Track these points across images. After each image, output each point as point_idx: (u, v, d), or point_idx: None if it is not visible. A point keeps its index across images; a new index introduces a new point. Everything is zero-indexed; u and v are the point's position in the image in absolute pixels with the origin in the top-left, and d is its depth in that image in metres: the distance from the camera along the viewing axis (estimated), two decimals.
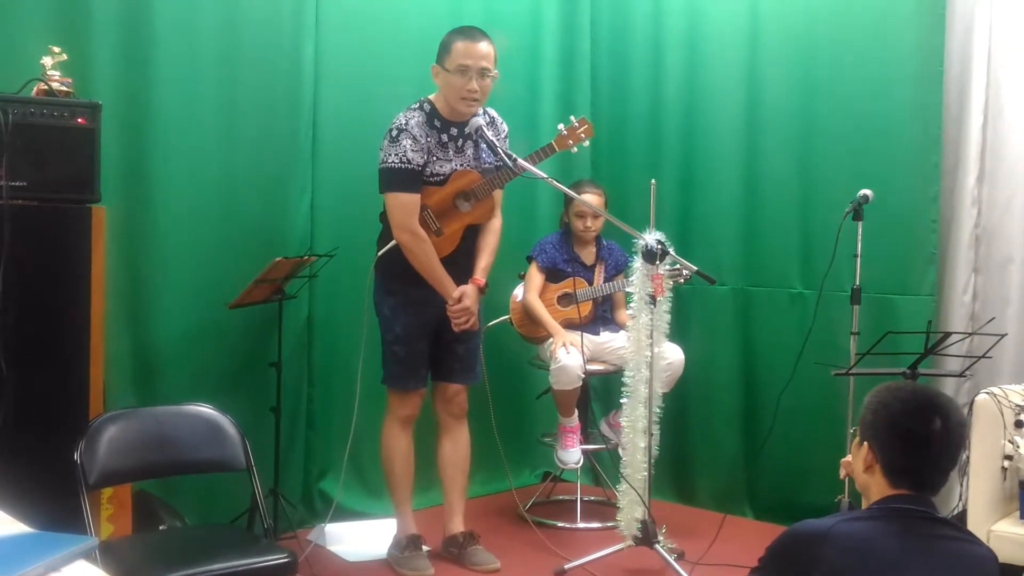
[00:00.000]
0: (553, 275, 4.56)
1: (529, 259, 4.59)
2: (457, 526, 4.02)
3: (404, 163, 3.68)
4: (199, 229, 4.02)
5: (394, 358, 3.84)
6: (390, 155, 3.70)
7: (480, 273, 3.89)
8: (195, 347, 4.01)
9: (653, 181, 3.97)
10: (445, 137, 3.78)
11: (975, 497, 3.45)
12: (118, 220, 3.61)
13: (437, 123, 3.77)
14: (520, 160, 3.67)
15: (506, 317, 4.59)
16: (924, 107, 4.28)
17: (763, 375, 4.72)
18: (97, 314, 3.27)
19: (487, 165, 3.86)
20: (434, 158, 3.75)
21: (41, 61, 3.29)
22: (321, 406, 4.41)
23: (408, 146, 3.68)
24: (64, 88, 3.28)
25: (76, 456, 2.93)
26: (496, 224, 3.95)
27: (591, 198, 4.43)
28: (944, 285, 4.36)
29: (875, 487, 2.13)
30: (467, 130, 3.82)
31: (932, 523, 2.06)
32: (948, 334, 3.62)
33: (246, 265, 3.94)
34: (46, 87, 3.25)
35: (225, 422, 3.24)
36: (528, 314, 4.52)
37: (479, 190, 3.81)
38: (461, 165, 3.81)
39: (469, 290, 3.81)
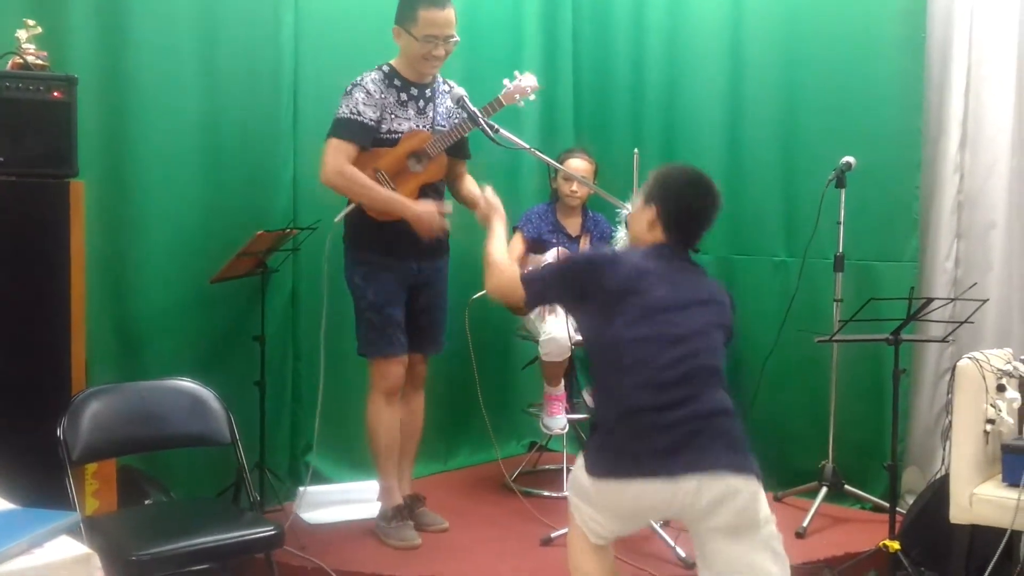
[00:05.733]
0: (537, 246, 4.55)
1: (514, 229, 4.58)
2: (404, 490, 4.06)
3: (354, 114, 3.70)
4: (180, 203, 3.99)
5: (369, 325, 3.83)
6: (341, 107, 3.73)
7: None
8: (178, 322, 4.00)
9: (636, 151, 3.96)
10: (404, 96, 3.80)
11: (958, 461, 3.47)
12: (97, 194, 3.58)
13: (397, 82, 3.80)
14: (503, 131, 3.66)
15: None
16: (906, 74, 4.27)
17: (747, 343, 4.71)
18: (77, 289, 3.26)
19: (441, 128, 3.87)
20: (392, 115, 3.77)
21: (16, 34, 3.26)
22: (306, 379, 4.40)
23: (360, 99, 3.71)
24: (39, 62, 3.25)
25: (59, 432, 2.94)
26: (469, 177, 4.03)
27: (580, 164, 4.44)
28: (927, 251, 4.37)
29: (650, 239, 2.84)
30: (428, 93, 3.85)
31: (689, 264, 2.85)
32: (930, 300, 3.63)
33: (228, 239, 3.91)
34: (21, 61, 3.22)
35: (209, 396, 3.25)
36: None
37: (430, 148, 3.81)
38: (422, 126, 3.82)
39: (428, 202, 3.79)
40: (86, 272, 3.34)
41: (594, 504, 2.71)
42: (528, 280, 2.90)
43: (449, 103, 3.89)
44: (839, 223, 4.12)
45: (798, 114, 4.58)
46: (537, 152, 3.77)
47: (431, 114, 3.87)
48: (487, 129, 3.58)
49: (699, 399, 2.64)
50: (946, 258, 4.34)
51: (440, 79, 3.94)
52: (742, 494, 2.58)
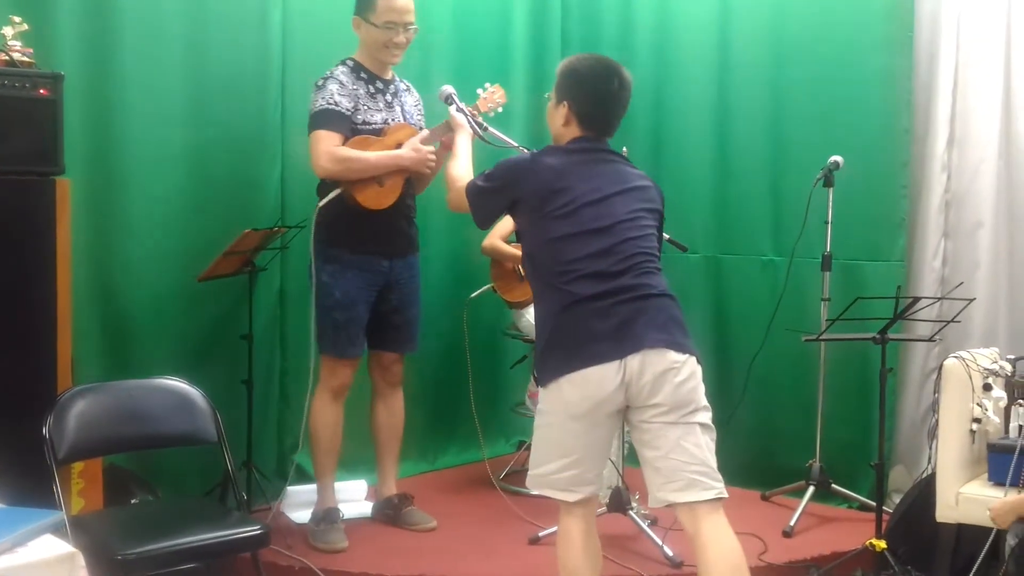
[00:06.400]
0: None
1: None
2: (391, 489, 4.07)
3: (331, 104, 3.71)
4: (167, 201, 3.98)
5: (334, 324, 3.80)
6: (317, 100, 3.74)
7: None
8: (165, 320, 3.98)
9: (625, 148, 3.95)
10: (372, 88, 3.83)
11: (944, 460, 3.48)
12: (83, 192, 3.57)
13: (364, 75, 3.83)
14: (491, 128, 3.66)
15: (488, 286, 4.55)
16: (894, 73, 4.28)
17: (735, 342, 4.73)
18: (63, 288, 3.24)
19: (413, 123, 3.90)
20: (364, 107, 3.79)
21: (1, 31, 3.23)
22: (294, 378, 4.39)
23: (334, 90, 3.73)
24: (25, 59, 3.23)
25: (45, 431, 2.92)
26: None
27: None
28: (914, 250, 4.39)
29: (568, 135, 2.91)
30: (392, 88, 3.89)
31: (608, 154, 2.93)
32: (917, 299, 3.64)
33: (216, 237, 3.88)
34: (7, 58, 3.19)
35: (196, 395, 3.24)
36: (491, 255, 4.48)
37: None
38: (392, 120, 3.84)
39: (414, 139, 3.79)
40: (72, 270, 3.33)
41: (553, 437, 2.80)
42: (469, 197, 2.97)
43: (411, 101, 3.95)
44: (827, 222, 4.13)
45: (786, 113, 4.59)
46: (525, 150, 3.77)
47: (398, 110, 3.89)
48: (476, 127, 3.58)
49: (634, 284, 2.75)
50: (933, 257, 4.36)
51: (397, 78, 3.96)
52: (682, 370, 2.73)
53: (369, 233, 3.78)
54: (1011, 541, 2.96)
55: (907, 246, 4.34)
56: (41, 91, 3.16)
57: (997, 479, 3.34)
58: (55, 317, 3.22)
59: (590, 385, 2.71)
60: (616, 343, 2.70)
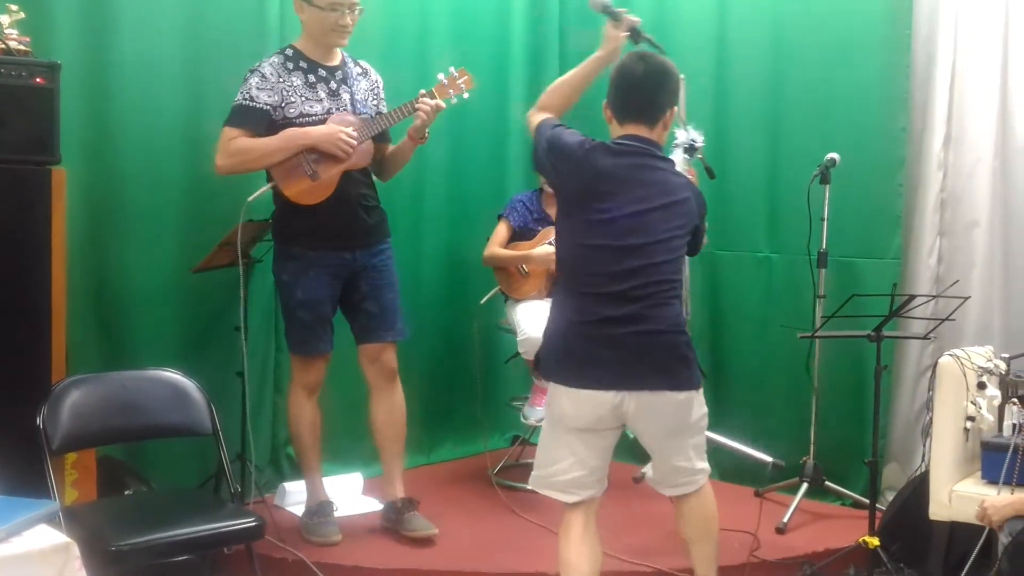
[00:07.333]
0: (524, 235, 4.52)
1: (499, 217, 4.56)
2: (397, 492, 3.94)
3: (246, 100, 3.60)
4: (162, 191, 3.97)
5: (299, 323, 3.76)
6: (237, 95, 3.63)
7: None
8: (160, 311, 3.97)
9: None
10: (312, 78, 3.70)
11: (938, 458, 3.49)
12: (79, 182, 3.55)
13: (303, 64, 3.70)
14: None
15: (496, 290, 4.54)
16: (892, 71, 4.28)
17: (729, 338, 4.74)
18: (58, 278, 3.23)
19: (363, 115, 3.76)
20: (302, 98, 3.66)
21: None
22: (288, 371, 4.38)
23: (254, 83, 3.61)
24: (22, 47, 3.22)
25: (39, 421, 2.92)
26: None
27: None
28: (909, 249, 4.39)
29: (614, 132, 2.92)
30: (339, 75, 3.76)
31: (658, 160, 2.88)
32: (912, 297, 3.64)
33: (211, 228, 3.88)
34: (3, 46, 3.18)
35: (191, 387, 3.24)
36: (492, 263, 4.47)
37: (359, 134, 3.68)
38: (337, 109, 3.72)
39: (327, 124, 3.67)
40: (67, 260, 3.32)
41: (554, 440, 2.90)
42: (536, 136, 3.00)
43: (364, 85, 3.81)
44: (823, 219, 4.13)
45: (783, 110, 4.58)
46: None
47: (345, 97, 3.76)
48: (645, 36, 3.21)
49: (648, 315, 2.77)
50: (929, 255, 4.36)
51: (351, 61, 3.84)
52: (681, 405, 2.85)
53: (325, 228, 3.68)
54: (1004, 539, 2.97)
55: (903, 244, 4.35)
56: (38, 80, 3.15)
57: (991, 477, 3.35)
58: (50, 307, 3.21)
59: (585, 404, 2.80)
60: (616, 374, 2.77)
